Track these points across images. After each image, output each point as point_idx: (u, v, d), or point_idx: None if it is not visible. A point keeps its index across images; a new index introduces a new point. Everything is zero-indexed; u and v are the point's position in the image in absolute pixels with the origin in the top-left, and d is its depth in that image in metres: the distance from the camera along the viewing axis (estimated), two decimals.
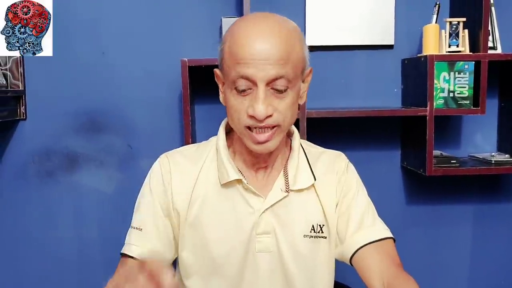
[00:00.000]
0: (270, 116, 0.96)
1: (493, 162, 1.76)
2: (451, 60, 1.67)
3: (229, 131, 1.13)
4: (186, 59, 1.61)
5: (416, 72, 1.74)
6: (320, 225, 1.09)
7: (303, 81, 1.04)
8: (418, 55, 1.74)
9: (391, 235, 1.11)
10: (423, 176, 1.72)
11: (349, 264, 1.10)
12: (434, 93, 1.66)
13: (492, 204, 1.96)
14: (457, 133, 1.93)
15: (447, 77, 1.68)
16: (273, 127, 0.98)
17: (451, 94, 1.69)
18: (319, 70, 1.84)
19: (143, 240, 1.07)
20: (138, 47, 1.82)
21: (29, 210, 1.84)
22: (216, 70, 1.06)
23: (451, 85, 1.68)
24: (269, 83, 0.95)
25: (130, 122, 1.84)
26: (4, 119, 1.68)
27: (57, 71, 1.81)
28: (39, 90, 1.80)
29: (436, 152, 1.78)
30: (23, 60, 1.77)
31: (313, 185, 1.09)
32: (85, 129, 1.83)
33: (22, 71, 1.77)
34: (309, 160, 1.13)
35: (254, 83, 0.95)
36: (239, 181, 1.06)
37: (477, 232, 1.97)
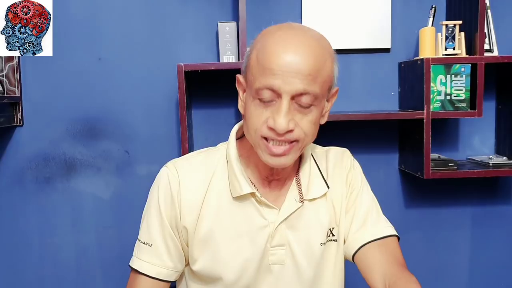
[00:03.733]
0: (291, 131, 0.93)
1: (491, 164, 1.76)
2: (447, 63, 1.67)
3: (239, 138, 1.09)
4: (182, 64, 1.61)
5: (413, 75, 1.74)
6: (331, 229, 1.08)
7: (327, 100, 1.01)
8: (415, 58, 1.74)
9: (395, 233, 1.10)
10: (421, 179, 1.72)
11: (351, 261, 1.09)
12: (431, 96, 1.66)
13: (490, 207, 1.96)
14: (454, 136, 1.92)
15: (443, 80, 1.68)
16: (292, 141, 0.95)
17: (448, 97, 1.69)
18: None
19: (153, 257, 1.04)
20: (134, 52, 1.81)
21: (26, 216, 1.84)
22: (239, 76, 1.03)
23: (447, 88, 1.68)
24: (295, 97, 0.91)
25: (127, 128, 1.84)
26: (1, 125, 1.68)
27: (54, 78, 1.80)
28: (36, 97, 1.80)
29: (434, 155, 1.78)
30: (19, 66, 1.77)
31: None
32: (82, 135, 1.83)
33: (18, 77, 1.77)
34: (319, 166, 1.11)
35: (279, 95, 0.91)
36: (252, 194, 1.02)
37: (476, 234, 1.96)
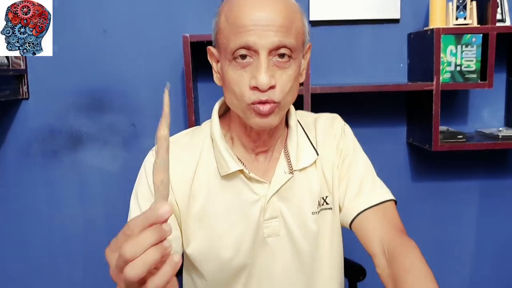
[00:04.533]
0: (273, 87, 0.91)
1: (500, 137, 1.74)
2: (458, 33, 1.64)
3: (223, 114, 1.08)
4: (188, 35, 1.59)
5: (423, 46, 1.71)
6: (324, 198, 1.07)
7: (303, 57, 0.99)
8: (425, 28, 1.71)
9: (391, 197, 1.07)
10: (429, 152, 1.71)
11: (349, 229, 1.08)
12: (441, 67, 1.63)
13: (498, 180, 1.94)
14: (463, 108, 1.90)
15: (454, 51, 1.65)
16: (274, 102, 0.93)
17: (458, 68, 1.66)
18: (323, 45, 1.82)
19: None
20: (139, 24, 1.79)
21: (34, 189, 1.85)
22: (210, 48, 1.00)
23: (458, 59, 1.66)
24: (272, 51, 0.90)
25: (133, 101, 1.83)
26: (7, 98, 1.67)
27: (59, 50, 1.79)
28: (41, 70, 1.79)
29: (442, 128, 1.76)
30: None
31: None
32: (88, 108, 1.82)
33: None
34: (308, 134, 1.08)
35: (256, 52, 0.90)
36: (240, 170, 1.01)
37: (483, 207, 1.95)
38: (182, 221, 1.03)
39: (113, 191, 1.85)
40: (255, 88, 0.90)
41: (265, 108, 0.92)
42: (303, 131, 1.08)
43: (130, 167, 1.94)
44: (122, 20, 1.79)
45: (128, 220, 0.99)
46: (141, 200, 1.01)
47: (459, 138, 1.71)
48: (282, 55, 0.91)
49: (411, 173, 1.92)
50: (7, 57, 1.72)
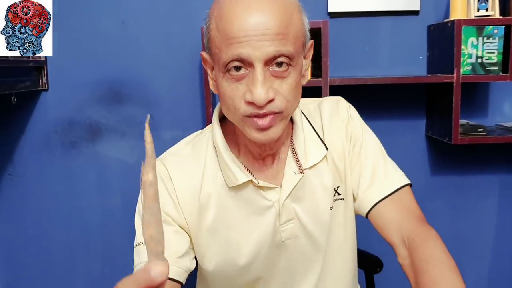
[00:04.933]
0: (272, 101, 0.83)
1: None
2: (479, 25, 1.61)
3: (224, 118, 1.00)
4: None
5: (443, 38, 1.69)
6: (335, 188, 1.02)
7: (304, 58, 0.92)
8: (445, 20, 1.68)
9: (406, 182, 1.03)
10: (448, 145, 1.69)
11: (365, 218, 1.05)
12: (461, 59, 1.61)
13: None
14: (484, 101, 1.87)
15: (475, 43, 1.62)
16: (275, 113, 0.85)
17: (479, 60, 1.64)
18: (342, 37, 1.81)
19: None
20: (157, 15, 1.79)
21: (53, 180, 1.87)
22: (203, 54, 0.93)
23: (479, 51, 1.63)
24: (268, 62, 0.82)
25: (151, 93, 1.83)
26: (27, 89, 1.69)
27: (78, 42, 1.80)
28: (60, 61, 1.80)
29: (462, 121, 1.74)
30: None
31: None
32: (107, 99, 1.83)
33: None
34: (313, 126, 1.03)
35: (250, 64, 0.82)
36: (249, 180, 0.96)
37: (503, 202, 1.93)
38: (192, 236, 0.99)
39: (131, 182, 1.86)
40: (251, 103, 0.84)
41: (264, 122, 0.85)
42: (308, 124, 1.03)
43: None
44: (141, 11, 1.79)
45: (137, 239, 0.96)
46: None
47: (480, 131, 1.69)
48: (280, 64, 0.83)
49: (429, 166, 1.90)
50: None
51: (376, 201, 1.01)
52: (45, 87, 1.80)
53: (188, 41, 1.79)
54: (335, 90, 1.62)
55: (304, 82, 0.94)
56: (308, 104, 1.08)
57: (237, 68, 0.83)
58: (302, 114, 1.03)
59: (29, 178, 1.87)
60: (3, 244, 1.89)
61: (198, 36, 1.61)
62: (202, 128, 1.10)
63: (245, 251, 0.98)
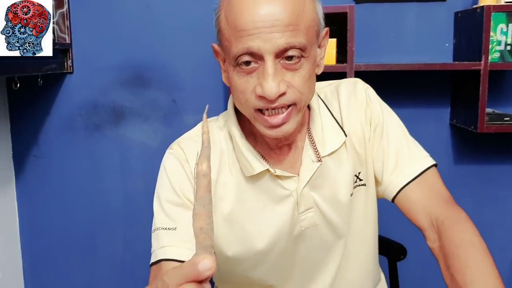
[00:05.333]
0: (283, 94, 0.82)
1: None
2: (510, 11, 1.58)
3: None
4: None
5: (471, 25, 1.66)
6: (357, 174, 1.00)
7: (319, 47, 0.89)
8: (474, 6, 1.66)
9: (431, 163, 0.99)
10: (473, 134, 1.67)
11: (391, 202, 1.02)
12: (490, 46, 1.58)
13: None
14: (510, 90, 1.84)
15: (504, 29, 1.59)
16: (289, 106, 0.84)
17: (508, 47, 1.60)
18: (368, 23, 1.79)
19: (180, 241, 0.90)
20: None
21: (77, 162, 1.89)
22: (214, 46, 0.92)
23: (508, 38, 1.60)
24: (279, 54, 0.80)
25: (174, 77, 1.84)
26: (52, 71, 1.71)
27: (103, 25, 1.81)
28: (85, 44, 1.82)
29: (488, 110, 1.71)
30: (69, 13, 1.78)
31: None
32: (131, 83, 1.84)
33: (68, 25, 1.79)
34: (331, 110, 1.00)
35: (261, 57, 0.80)
36: (266, 170, 0.94)
37: None
38: None
39: (153, 166, 1.84)
40: (262, 97, 0.82)
41: (277, 120, 0.84)
42: (326, 109, 1.00)
43: (170, 143, 1.96)
44: None
45: (155, 223, 0.95)
46: (164, 204, 0.94)
47: (506, 120, 1.66)
48: (291, 58, 0.81)
49: (453, 155, 1.88)
50: (52, 31, 1.75)
51: (402, 185, 0.98)
52: (70, 70, 1.82)
53: (212, 25, 1.78)
54: (360, 76, 1.60)
55: (319, 71, 0.91)
56: (325, 87, 1.05)
57: (247, 63, 0.82)
58: (319, 99, 1.01)
59: (53, 160, 1.89)
60: (27, 224, 1.93)
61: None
62: None
63: (262, 242, 0.96)
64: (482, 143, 1.86)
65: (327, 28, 0.90)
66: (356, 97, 1.01)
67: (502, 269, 0.81)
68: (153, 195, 0.95)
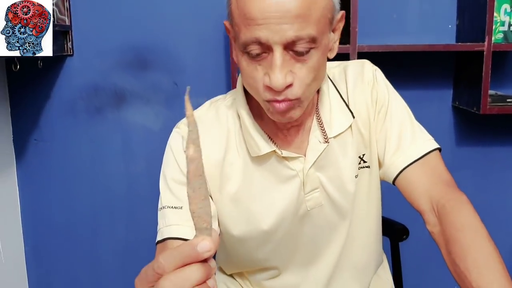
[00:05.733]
0: (290, 85, 0.81)
1: None
2: None
3: None
4: None
5: (474, 6, 1.65)
6: (361, 156, 0.99)
7: (333, 31, 0.87)
8: None
9: (435, 146, 0.98)
10: (476, 115, 1.67)
11: (392, 185, 1.02)
12: (493, 27, 1.57)
13: None
14: None
15: (508, 10, 1.58)
16: (291, 100, 0.83)
17: None
18: (371, 4, 1.77)
19: (187, 220, 0.89)
20: None
21: (78, 146, 1.88)
22: (226, 23, 0.90)
23: None
24: (287, 46, 0.79)
25: (176, 60, 1.83)
26: (53, 54, 1.69)
27: (103, 7, 1.79)
28: (85, 26, 1.80)
29: (491, 92, 1.71)
30: None
31: None
32: (132, 65, 1.83)
33: (68, 6, 1.77)
34: (339, 90, 0.99)
35: (269, 48, 0.79)
36: (273, 151, 0.94)
37: None
38: (214, 201, 0.97)
39: (155, 149, 1.87)
40: (269, 88, 0.82)
41: (282, 106, 0.83)
42: (335, 90, 1.00)
43: (172, 126, 1.94)
44: None
45: (162, 202, 0.95)
46: (170, 182, 0.95)
47: (509, 102, 1.66)
48: (299, 52, 0.80)
49: (455, 137, 1.88)
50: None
51: (403, 166, 0.97)
52: (70, 52, 1.80)
53: (214, 7, 1.77)
54: (363, 57, 1.60)
55: (331, 55, 0.90)
56: (333, 68, 1.05)
57: (257, 55, 0.81)
58: (328, 80, 1.00)
59: (54, 143, 1.88)
60: (28, 208, 1.93)
61: (225, 2, 1.59)
62: None
63: (268, 221, 0.97)
64: (484, 124, 1.86)
65: (342, 12, 0.88)
66: (363, 78, 1.01)
67: (503, 252, 0.81)
68: (155, 178, 0.95)
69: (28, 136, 1.88)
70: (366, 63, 1.03)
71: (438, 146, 1.00)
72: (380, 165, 1.02)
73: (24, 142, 1.88)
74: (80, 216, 1.93)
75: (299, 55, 0.80)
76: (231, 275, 1.15)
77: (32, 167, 1.90)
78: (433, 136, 1.02)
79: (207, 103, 1.02)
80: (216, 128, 0.96)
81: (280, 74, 0.79)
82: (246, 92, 0.96)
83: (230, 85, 1.74)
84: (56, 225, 1.94)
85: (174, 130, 1.00)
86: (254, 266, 1.07)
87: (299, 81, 0.82)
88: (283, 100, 0.83)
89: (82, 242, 1.95)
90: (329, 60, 0.90)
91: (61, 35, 1.77)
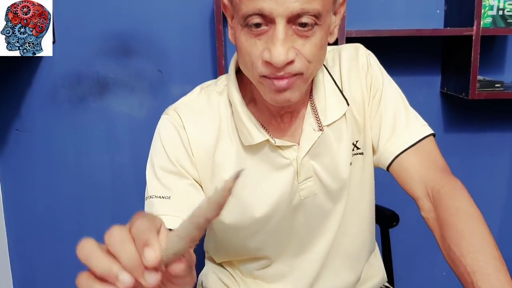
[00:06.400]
0: (292, 62, 0.78)
1: None
2: None
3: (240, 70, 0.92)
4: None
5: None
6: (354, 143, 0.98)
7: (334, 14, 0.85)
8: None
9: (429, 132, 0.98)
10: (464, 101, 1.66)
11: (386, 171, 1.01)
12: (482, 11, 1.56)
13: None
14: (501, 57, 1.83)
15: None
16: (294, 75, 0.80)
17: (501, 12, 1.59)
18: None
19: (174, 210, 0.88)
20: None
21: (61, 135, 1.84)
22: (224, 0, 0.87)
23: (500, 2, 1.58)
24: (291, 20, 0.76)
25: (160, 46, 1.79)
26: None
27: None
28: (66, 13, 1.75)
29: (479, 77, 1.70)
30: None
31: None
32: (115, 53, 1.78)
33: None
34: (332, 75, 0.97)
35: (272, 20, 0.76)
36: (265, 140, 0.91)
37: None
38: (205, 192, 0.95)
39: (140, 138, 1.84)
40: (269, 63, 0.78)
41: (282, 83, 0.79)
42: (329, 77, 0.97)
43: (157, 114, 1.88)
44: None
45: (149, 191, 0.92)
46: (158, 171, 0.92)
47: (497, 87, 1.65)
48: (304, 24, 0.77)
49: (443, 123, 1.88)
50: None
51: (398, 152, 0.96)
52: (52, 39, 1.75)
53: None
54: (351, 43, 1.58)
55: (331, 40, 0.87)
56: (327, 52, 1.02)
57: (258, 25, 0.77)
58: (323, 67, 0.97)
59: (36, 134, 1.84)
60: (10, 200, 1.88)
61: None
62: None
63: (261, 210, 0.95)
64: (472, 110, 1.85)
65: None
66: (357, 62, 0.99)
67: None
68: (141, 167, 0.92)
69: (9, 127, 1.83)
70: (360, 47, 1.01)
71: (433, 132, 0.99)
72: (374, 151, 1.01)
73: (5, 133, 1.83)
74: (65, 207, 1.89)
75: (303, 31, 0.77)
76: (220, 264, 1.13)
77: (13, 159, 1.85)
78: None
79: (197, 88, 0.99)
80: (207, 115, 0.93)
81: (282, 48, 0.75)
82: (238, 77, 0.93)
83: (216, 72, 1.71)
84: (39, 217, 1.90)
85: (163, 116, 0.96)
86: (245, 255, 1.05)
87: (301, 57, 0.78)
88: (283, 77, 0.79)
89: (67, 234, 1.91)
90: (328, 44, 0.88)
91: None
